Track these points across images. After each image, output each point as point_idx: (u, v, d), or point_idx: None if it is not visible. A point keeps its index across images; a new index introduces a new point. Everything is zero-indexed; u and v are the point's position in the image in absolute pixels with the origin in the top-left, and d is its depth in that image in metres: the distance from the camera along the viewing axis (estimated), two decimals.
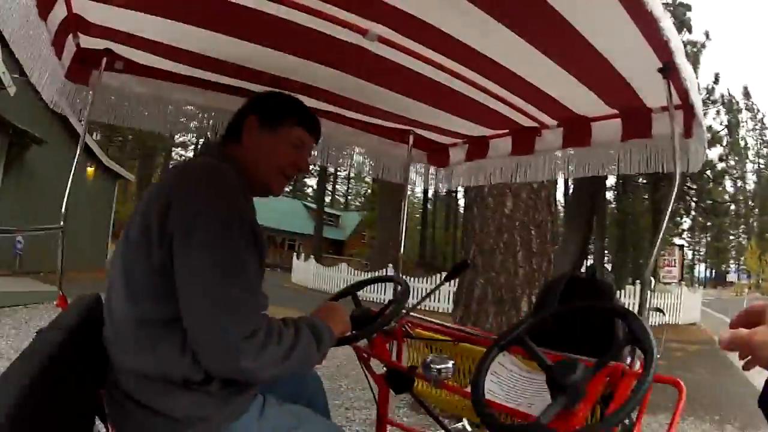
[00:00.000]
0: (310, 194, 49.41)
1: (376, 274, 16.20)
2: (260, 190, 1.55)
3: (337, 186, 56.37)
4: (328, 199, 49.20)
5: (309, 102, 1.83)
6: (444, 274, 4.97)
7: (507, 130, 2.44)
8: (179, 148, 46.76)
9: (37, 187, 12.03)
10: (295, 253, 26.62)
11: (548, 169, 2.35)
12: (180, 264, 1.18)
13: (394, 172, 2.87)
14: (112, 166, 17.61)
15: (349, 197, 58.54)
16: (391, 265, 15.98)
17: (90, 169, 15.33)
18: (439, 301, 14.78)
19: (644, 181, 24.41)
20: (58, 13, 1.59)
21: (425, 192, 42.13)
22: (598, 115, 2.06)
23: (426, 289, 15.26)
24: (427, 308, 15.09)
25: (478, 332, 2.30)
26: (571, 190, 21.62)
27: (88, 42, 1.87)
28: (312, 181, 48.70)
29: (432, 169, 2.98)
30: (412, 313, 2.20)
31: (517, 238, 5.11)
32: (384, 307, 1.96)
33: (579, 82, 1.74)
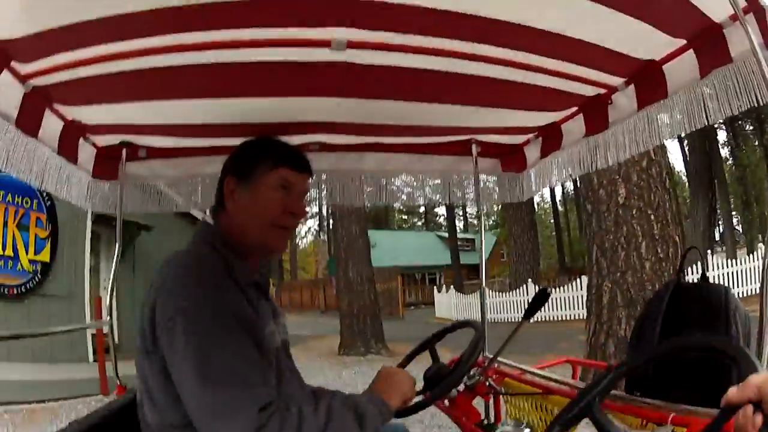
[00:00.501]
0: (443, 223, 48.42)
1: (518, 291, 16.64)
2: (261, 252, 1.45)
3: (467, 209, 56.25)
4: (461, 224, 48.57)
5: (343, 139, 1.90)
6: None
7: (575, 108, 2.16)
8: None
9: (149, 269, 12.78)
10: (435, 287, 26.11)
11: (630, 141, 2.00)
12: (171, 371, 1.15)
13: (468, 191, 2.68)
14: None
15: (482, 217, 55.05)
16: (530, 279, 15.98)
17: None
18: (564, 308, 14.59)
19: (751, 127, 22.83)
20: (52, 123, 1.63)
21: (552, 193, 41.11)
22: (665, 55, 1.73)
23: (567, 298, 15.18)
24: (554, 318, 14.96)
25: (569, 382, 1.98)
26: (688, 156, 20.16)
27: (103, 140, 1.92)
28: (442, 210, 47.22)
29: (508, 177, 2.68)
30: (502, 359, 1.99)
31: (636, 227, 4.71)
32: (458, 360, 1.75)
33: (634, 19, 1.49)
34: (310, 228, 49.37)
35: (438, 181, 2.64)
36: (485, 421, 1.82)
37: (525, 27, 1.50)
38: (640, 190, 4.73)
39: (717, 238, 21.99)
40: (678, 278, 1.97)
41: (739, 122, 22.41)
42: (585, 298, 6.57)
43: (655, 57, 1.76)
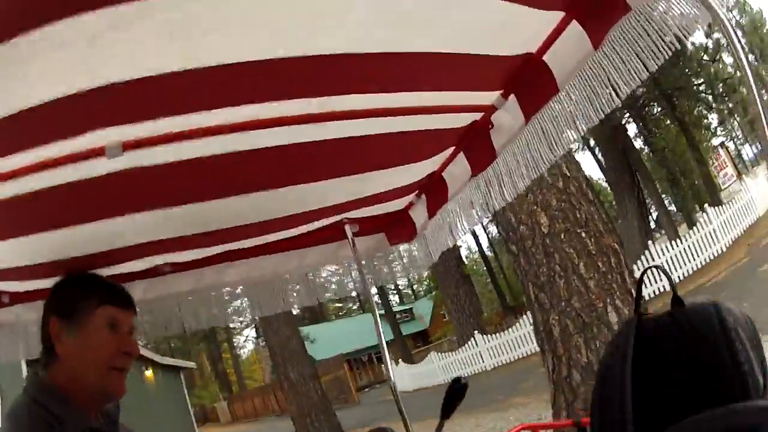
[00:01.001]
0: (378, 301, 50.87)
1: (467, 345, 17.45)
2: (100, 399, 1.35)
3: (398, 282, 56.71)
4: (396, 297, 50.14)
5: (197, 254, 1.82)
6: None
7: (453, 147, 1.85)
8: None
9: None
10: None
11: (528, 163, 1.68)
12: None
13: (395, 266, 2.45)
14: (168, 362, 18.71)
15: (414, 286, 55.75)
16: (476, 331, 16.85)
17: (148, 373, 15.93)
18: (518, 347, 15.48)
19: (660, 108, 23.61)
20: None
21: (477, 240, 42.32)
22: (543, 40, 1.39)
23: (518, 337, 15.72)
24: (512, 359, 15.52)
25: None
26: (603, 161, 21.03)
27: None
28: (374, 289, 50.98)
29: (400, 250, 2.44)
30: None
31: (569, 251, 4.42)
32: None
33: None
34: (247, 336, 50.01)
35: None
36: None
37: (361, 56, 1.19)
38: (563, 212, 4.47)
39: (653, 226, 22.68)
40: (638, 314, 1.32)
41: (646, 108, 23.43)
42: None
43: (531, 49, 1.42)
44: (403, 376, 20.05)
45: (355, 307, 51.67)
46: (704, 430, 0.91)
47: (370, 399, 21.53)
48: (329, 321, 45.28)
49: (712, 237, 13.08)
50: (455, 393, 1.64)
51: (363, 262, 2.30)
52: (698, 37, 21.66)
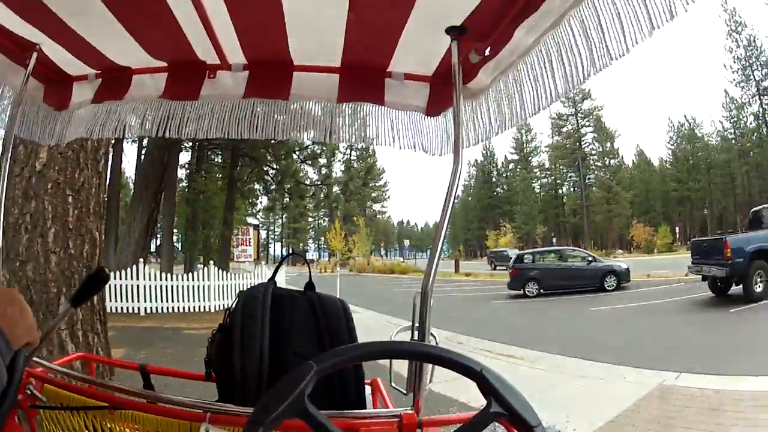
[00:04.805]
0: None
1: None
2: None
3: None
4: None
5: None
6: None
7: (165, 63, 1.87)
8: None
9: None
10: None
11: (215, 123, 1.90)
12: None
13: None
14: None
15: None
16: None
17: None
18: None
19: (220, 159, 24.84)
20: None
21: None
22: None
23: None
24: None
25: (159, 396, 1.44)
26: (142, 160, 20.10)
27: None
28: None
29: (44, 113, 2.08)
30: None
31: (48, 207, 3.87)
32: None
33: None
34: None
35: None
36: None
37: None
38: (66, 161, 4.00)
39: (153, 249, 22.68)
40: (274, 282, 1.68)
41: (207, 151, 24.15)
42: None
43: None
44: None
45: None
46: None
47: None
48: None
49: (196, 290, 14.10)
50: (92, 282, 1.51)
51: None
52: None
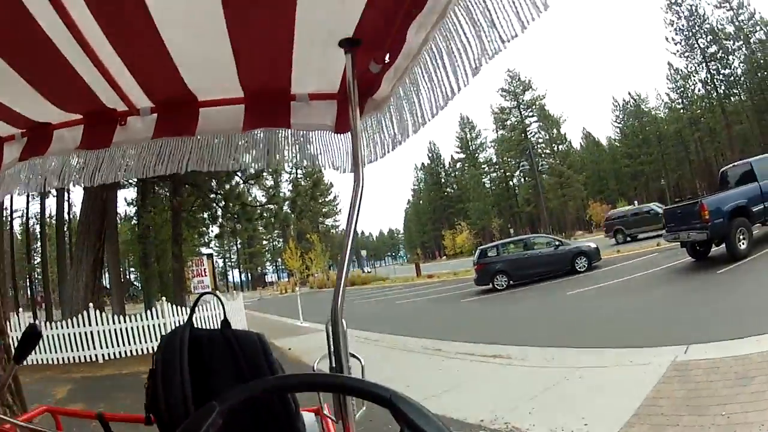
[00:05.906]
0: None
1: None
2: None
3: None
4: None
5: None
6: None
7: (80, 116, 1.94)
8: None
9: None
10: None
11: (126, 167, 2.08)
12: None
13: None
14: None
15: None
16: None
17: None
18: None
19: (166, 191, 24.15)
20: None
21: None
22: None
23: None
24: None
25: None
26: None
27: None
28: None
29: None
30: None
31: None
32: None
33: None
34: None
35: None
36: None
37: None
38: None
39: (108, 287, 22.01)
40: (190, 324, 1.73)
41: (153, 185, 23.50)
42: None
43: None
44: None
45: None
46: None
47: None
48: None
49: (151, 329, 13.48)
50: (27, 340, 1.54)
51: None
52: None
